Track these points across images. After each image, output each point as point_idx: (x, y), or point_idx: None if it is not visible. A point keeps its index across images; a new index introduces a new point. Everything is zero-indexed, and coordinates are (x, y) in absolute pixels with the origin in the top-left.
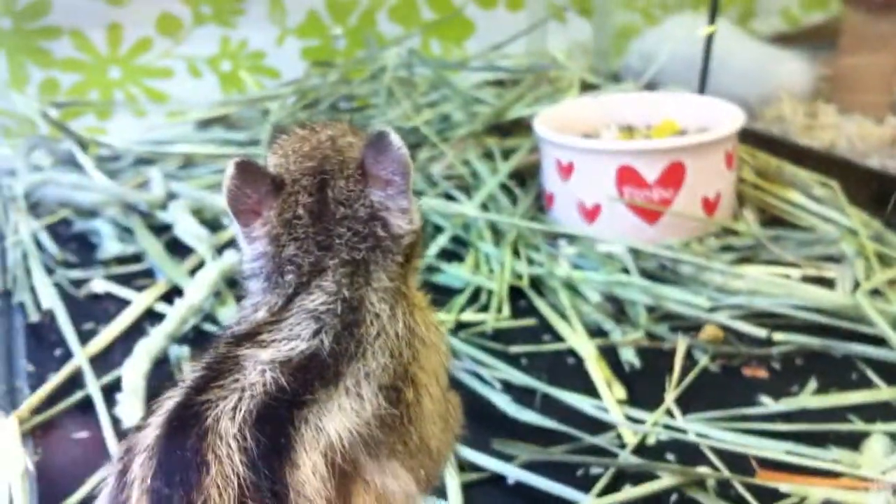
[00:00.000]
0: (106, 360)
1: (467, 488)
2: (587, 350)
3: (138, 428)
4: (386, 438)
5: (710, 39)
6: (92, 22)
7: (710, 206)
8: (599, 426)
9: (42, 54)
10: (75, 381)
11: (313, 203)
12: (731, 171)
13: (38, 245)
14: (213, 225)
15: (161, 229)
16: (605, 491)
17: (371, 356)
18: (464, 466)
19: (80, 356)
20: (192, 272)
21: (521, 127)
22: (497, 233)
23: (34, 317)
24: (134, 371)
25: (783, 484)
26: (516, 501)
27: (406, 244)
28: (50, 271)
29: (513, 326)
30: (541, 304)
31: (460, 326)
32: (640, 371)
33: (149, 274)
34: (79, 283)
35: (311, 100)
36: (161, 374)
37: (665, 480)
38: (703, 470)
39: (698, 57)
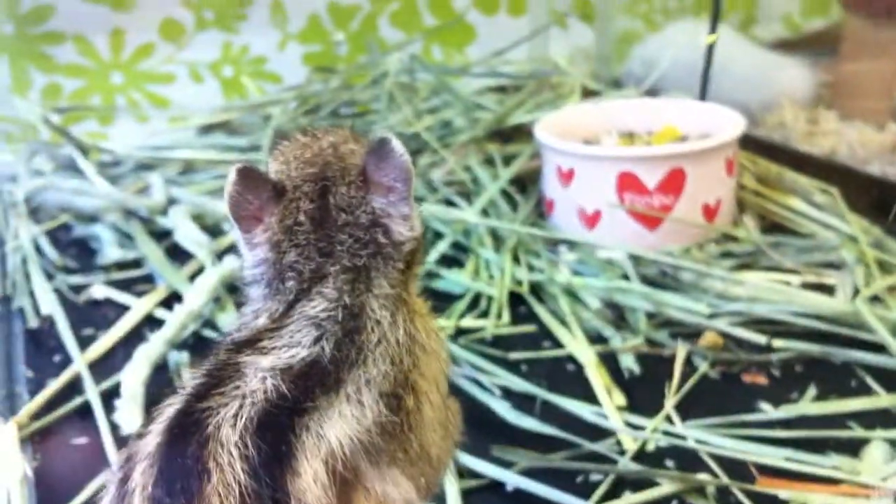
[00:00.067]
0: (105, 366)
1: (466, 495)
2: (587, 356)
3: (139, 435)
4: (386, 446)
5: (711, 47)
6: (95, 27)
7: (710, 212)
8: (599, 433)
9: (44, 59)
10: (74, 386)
11: (315, 209)
12: (731, 177)
13: (38, 250)
14: (214, 231)
15: (161, 235)
16: (605, 498)
17: (372, 363)
18: (463, 473)
19: (80, 362)
20: (192, 278)
21: (522, 133)
22: (497, 239)
23: (33, 322)
24: (133, 377)
25: (783, 491)
26: None
27: (407, 251)
28: (50, 277)
29: (512, 333)
30: (541, 311)
31: (460, 332)
32: (640, 377)
33: (149, 279)
34: (78, 289)
35: (312, 105)
36: (160, 380)
37: (665, 487)
38: (702, 477)
39: (699, 63)
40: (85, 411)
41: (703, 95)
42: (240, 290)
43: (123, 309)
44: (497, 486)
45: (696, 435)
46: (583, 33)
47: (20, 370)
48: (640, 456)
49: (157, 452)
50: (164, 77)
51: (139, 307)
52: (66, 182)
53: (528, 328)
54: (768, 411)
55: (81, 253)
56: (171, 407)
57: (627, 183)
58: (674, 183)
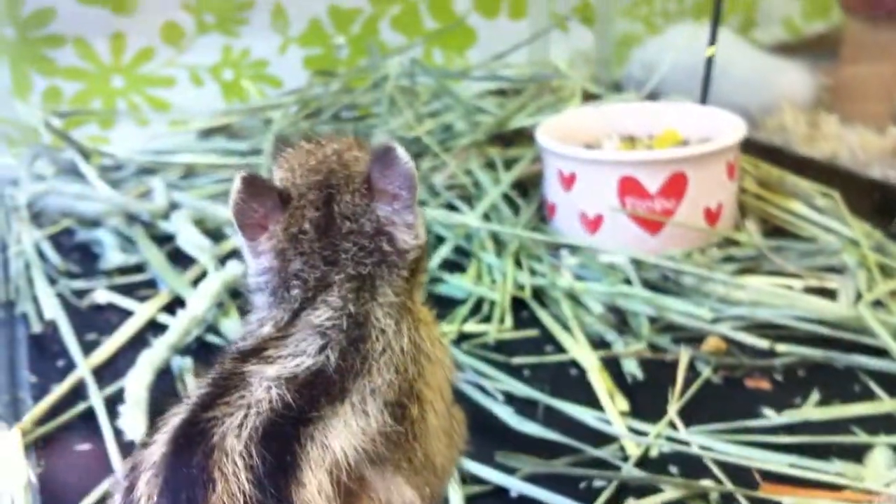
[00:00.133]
0: (109, 372)
1: (470, 501)
2: (589, 361)
3: (144, 445)
4: (391, 455)
5: (710, 59)
6: (96, 31)
7: (711, 216)
8: (602, 438)
9: (45, 63)
10: (78, 392)
11: (319, 217)
12: (732, 181)
13: (41, 255)
14: (216, 235)
15: (163, 239)
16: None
17: (377, 372)
18: (466, 479)
19: (83, 367)
20: (195, 283)
21: (524, 137)
22: (499, 243)
23: (37, 327)
24: (137, 382)
25: (786, 497)
26: None
27: (411, 259)
28: (52, 282)
29: (515, 337)
30: (543, 315)
31: (462, 337)
32: (643, 382)
33: (151, 284)
34: (81, 294)
35: (313, 109)
36: (164, 386)
37: (668, 493)
38: (706, 483)
39: (700, 66)
40: (89, 417)
41: (703, 99)
42: (243, 295)
43: (126, 314)
44: (500, 491)
45: (700, 440)
46: (583, 37)
47: (24, 375)
48: (644, 462)
49: (162, 462)
50: (165, 80)
51: (142, 312)
52: (68, 186)
53: (531, 333)
54: (771, 416)
55: (84, 257)
56: (176, 417)
57: (629, 187)
58: (675, 187)
